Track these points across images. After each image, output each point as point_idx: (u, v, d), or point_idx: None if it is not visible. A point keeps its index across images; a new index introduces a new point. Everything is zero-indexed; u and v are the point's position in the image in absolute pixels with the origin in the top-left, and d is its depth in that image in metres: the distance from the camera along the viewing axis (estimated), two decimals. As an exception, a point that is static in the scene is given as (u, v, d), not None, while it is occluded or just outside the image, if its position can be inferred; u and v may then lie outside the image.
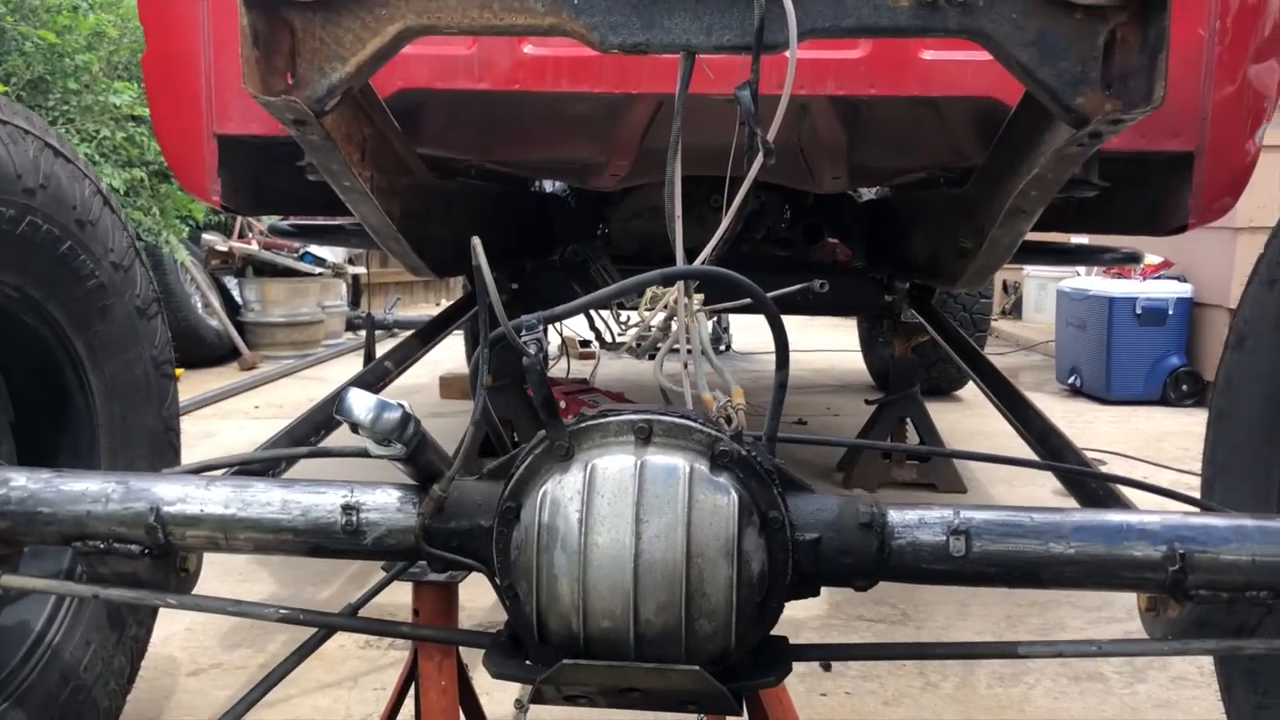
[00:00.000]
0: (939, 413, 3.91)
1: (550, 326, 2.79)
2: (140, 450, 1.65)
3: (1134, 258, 2.93)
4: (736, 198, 1.81)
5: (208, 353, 6.17)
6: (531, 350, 1.13)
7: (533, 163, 3.02)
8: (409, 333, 5.86)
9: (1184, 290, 5.09)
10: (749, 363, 6.39)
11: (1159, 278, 5.26)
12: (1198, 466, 3.93)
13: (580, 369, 4.80)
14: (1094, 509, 1.23)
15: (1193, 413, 4.97)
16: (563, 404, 3.96)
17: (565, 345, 4.91)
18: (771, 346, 1.28)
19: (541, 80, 2.09)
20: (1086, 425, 4.67)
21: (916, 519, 1.21)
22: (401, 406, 1.08)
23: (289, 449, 1.73)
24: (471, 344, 5.06)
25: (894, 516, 1.21)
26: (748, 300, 1.33)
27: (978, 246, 2.20)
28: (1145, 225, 2.28)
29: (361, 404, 1.06)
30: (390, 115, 2.01)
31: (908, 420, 3.55)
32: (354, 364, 6.48)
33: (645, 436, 1.16)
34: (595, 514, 1.11)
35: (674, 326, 2.20)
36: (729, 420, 1.91)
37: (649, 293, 2.36)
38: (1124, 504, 1.62)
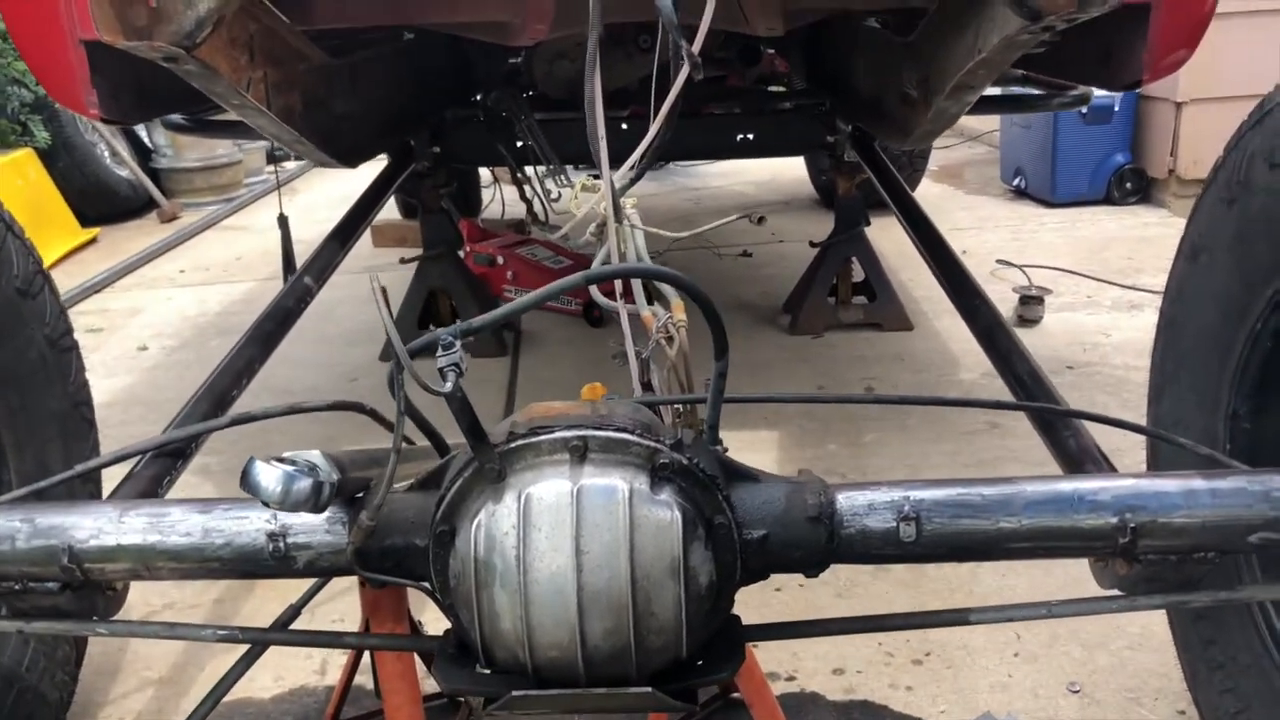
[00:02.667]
0: (883, 230, 3.82)
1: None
2: (49, 434, 1.56)
3: (1083, 99, 2.80)
4: (663, 109, 1.68)
5: (123, 206, 5.86)
6: (448, 383, 1.03)
7: (440, 25, 2.79)
8: (327, 171, 5.46)
9: (1130, 83, 4.94)
10: (690, 178, 6.21)
11: (1105, 69, 5.10)
12: (1143, 279, 3.93)
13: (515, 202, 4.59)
14: (1045, 479, 1.20)
15: (1136, 212, 4.95)
16: (500, 259, 3.83)
17: (495, 176, 4.70)
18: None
19: None
20: (1032, 235, 4.64)
21: (865, 505, 1.17)
22: (314, 471, 1.00)
23: (210, 423, 1.63)
24: (403, 206, 4.86)
25: (842, 503, 1.17)
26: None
27: (922, 97, 2.10)
28: (1097, 77, 2.17)
29: (268, 479, 0.97)
30: (272, 6, 1.83)
31: (853, 260, 3.49)
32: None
33: (580, 455, 1.09)
34: (533, 549, 1.06)
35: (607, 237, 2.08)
36: (670, 339, 1.84)
37: (580, 183, 2.22)
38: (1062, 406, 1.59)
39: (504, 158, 3.19)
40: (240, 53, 1.80)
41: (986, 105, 2.88)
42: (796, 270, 3.73)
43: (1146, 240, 4.41)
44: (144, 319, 4.04)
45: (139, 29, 1.44)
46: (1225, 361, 1.43)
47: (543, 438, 1.10)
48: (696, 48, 1.49)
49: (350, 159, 2.48)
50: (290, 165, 7.18)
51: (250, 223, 5.83)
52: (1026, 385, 1.75)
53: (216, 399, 1.72)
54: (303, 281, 2.21)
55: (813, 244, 3.56)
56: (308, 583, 1.49)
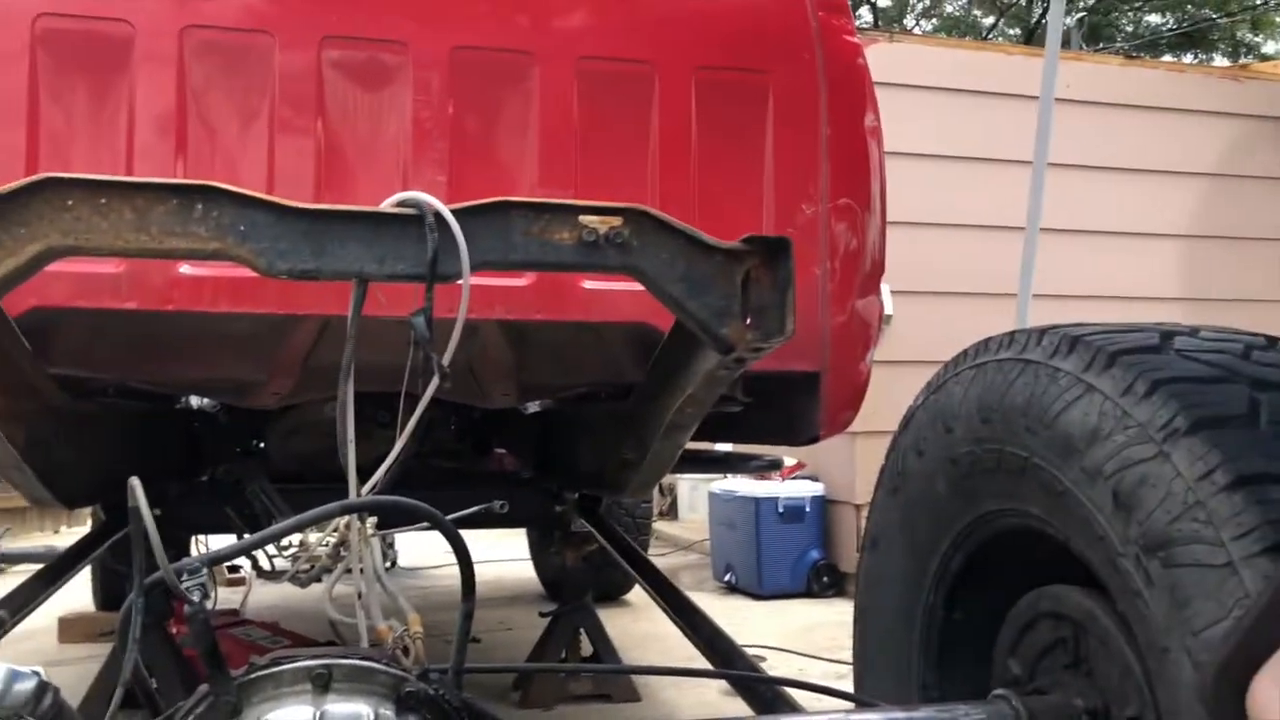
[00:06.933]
0: (609, 618, 3.96)
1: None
2: None
3: (776, 465, 3.23)
4: (411, 420, 1.80)
5: None
6: (196, 597, 1.03)
7: (186, 381, 2.85)
8: (21, 568, 5.08)
9: (817, 489, 5.62)
10: (417, 579, 6.18)
11: (796, 478, 5.78)
12: (845, 655, 4.22)
13: (228, 597, 4.40)
14: (767, 716, 1.29)
15: (834, 603, 5.39)
16: (212, 640, 3.59)
17: (211, 572, 4.52)
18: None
19: (198, 300, 2.01)
20: (744, 621, 4.91)
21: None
22: (36, 675, 0.94)
23: None
24: (103, 578, 4.51)
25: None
26: (424, 523, 1.32)
27: (640, 457, 2.33)
28: (784, 435, 2.53)
29: (-16, 677, 0.91)
30: (19, 335, 1.84)
31: (581, 631, 3.56)
32: (-52, 608, 5.53)
33: (324, 683, 1.09)
34: (268, 777, 1.01)
35: (343, 552, 2.11)
36: (407, 651, 1.83)
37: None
38: (791, 703, 1.71)
39: (233, 521, 3.13)
40: (-27, 373, 1.80)
41: (695, 465, 3.21)
42: (525, 652, 3.73)
43: (845, 625, 4.77)
44: None
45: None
46: (910, 636, 1.62)
47: (284, 667, 1.10)
48: (447, 359, 1.67)
49: (68, 501, 2.39)
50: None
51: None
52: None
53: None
54: (-4, 614, 2.02)
55: (542, 614, 3.62)
56: None
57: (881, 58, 4.54)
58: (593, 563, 3.69)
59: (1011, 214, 4.88)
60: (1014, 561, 1.47)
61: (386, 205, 1.47)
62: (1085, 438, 1.18)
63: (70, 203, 1.30)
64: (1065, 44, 9.39)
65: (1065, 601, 1.34)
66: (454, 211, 1.42)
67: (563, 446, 3.40)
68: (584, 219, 1.50)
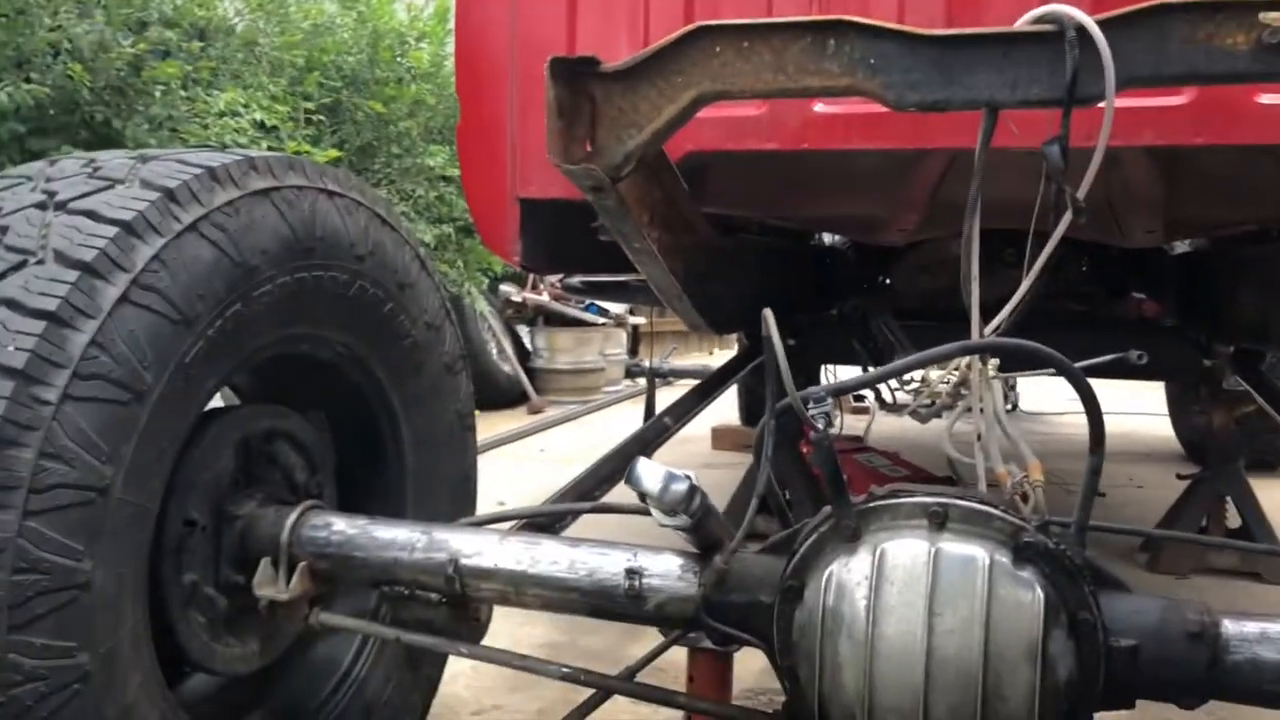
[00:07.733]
0: (1262, 489, 3.47)
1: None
2: (441, 497, 1.76)
3: None
4: (1039, 259, 1.69)
5: (500, 396, 6.57)
6: (820, 425, 1.09)
7: (818, 218, 3.00)
8: (682, 381, 5.87)
9: None
10: (1037, 423, 6.00)
11: None
12: None
13: (853, 424, 4.66)
14: None
15: None
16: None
17: (836, 402, 4.82)
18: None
19: (831, 138, 2.06)
20: None
21: (1258, 632, 1.06)
22: (688, 478, 1.08)
23: (575, 504, 1.78)
24: (746, 398, 5.06)
25: (1229, 628, 1.07)
26: (1049, 369, 1.25)
27: (1324, 310, 1.95)
28: None
29: (651, 476, 1.07)
30: (679, 178, 2.05)
31: (1227, 500, 3.17)
32: (630, 411, 6.67)
33: (940, 522, 1.09)
34: (884, 602, 1.06)
35: (963, 392, 2.10)
36: (1025, 498, 1.78)
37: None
38: None
39: (859, 353, 3.29)
40: (644, 211, 2.04)
41: None
42: (1156, 514, 3.44)
43: None
44: (505, 480, 4.42)
45: (578, 159, 1.68)
46: None
47: (902, 500, 1.12)
48: (1082, 193, 1.52)
49: (716, 327, 2.68)
50: (621, 385, 7.73)
51: (605, 421, 6.30)
52: None
53: (581, 495, 1.88)
54: (662, 420, 2.38)
55: (1180, 476, 3.29)
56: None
57: None
58: (1247, 426, 3.23)
59: None
60: None
61: (1022, 23, 1.35)
62: None
63: (718, 49, 1.38)
64: None
65: None
66: (1099, 22, 1.26)
67: (1217, 292, 2.97)
68: (1266, 17, 1.23)
